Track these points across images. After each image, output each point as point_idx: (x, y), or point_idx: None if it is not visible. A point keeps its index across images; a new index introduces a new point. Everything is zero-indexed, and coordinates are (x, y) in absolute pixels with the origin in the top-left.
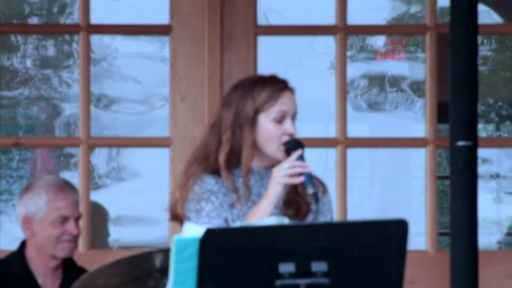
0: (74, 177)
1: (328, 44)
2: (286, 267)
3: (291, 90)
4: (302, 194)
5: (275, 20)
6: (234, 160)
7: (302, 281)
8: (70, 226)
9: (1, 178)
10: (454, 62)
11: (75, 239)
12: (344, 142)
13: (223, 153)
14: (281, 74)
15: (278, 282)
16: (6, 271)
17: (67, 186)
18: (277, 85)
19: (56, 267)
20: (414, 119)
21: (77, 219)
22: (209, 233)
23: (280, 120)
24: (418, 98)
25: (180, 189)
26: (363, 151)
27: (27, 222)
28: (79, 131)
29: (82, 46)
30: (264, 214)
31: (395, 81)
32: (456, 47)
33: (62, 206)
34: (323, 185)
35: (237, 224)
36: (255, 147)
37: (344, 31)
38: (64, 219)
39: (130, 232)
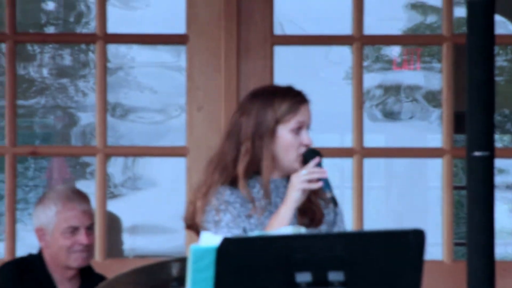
0: (90, 186)
1: (343, 54)
2: (303, 277)
3: (308, 102)
4: (316, 202)
5: (291, 30)
6: (251, 170)
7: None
8: (80, 236)
9: (17, 187)
10: (471, 72)
11: (87, 249)
12: (361, 152)
13: (243, 164)
14: (297, 84)
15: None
16: (29, 270)
17: (76, 196)
18: (296, 97)
19: (73, 275)
20: (430, 129)
21: (88, 228)
22: (226, 242)
23: (297, 131)
24: (434, 108)
25: (201, 198)
26: (379, 161)
27: (40, 233)
28: (96, 140)
29: (99, 55)
30: (283, 220)
31: (411, 91)
32: (473, 57)
33: (70, 216)
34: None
35: (255, 233)
36: (274, 158)
37: (361, 41)
38: (74, 229)
39: (146, 242)
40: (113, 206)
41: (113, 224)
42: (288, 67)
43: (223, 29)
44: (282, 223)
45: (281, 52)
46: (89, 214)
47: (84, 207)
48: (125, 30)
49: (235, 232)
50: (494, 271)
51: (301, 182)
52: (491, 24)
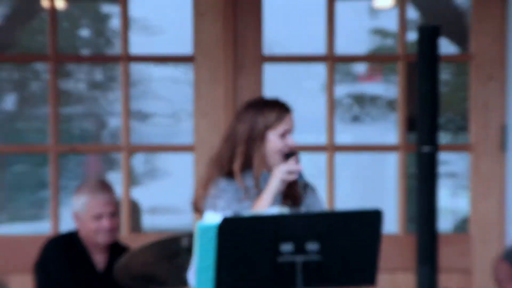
0: (118, 177)
1: (319, 69)
2: (286, 247)
3: (291, 111)
4: (296, 189)
5: (278, 50)
6: (244, 166)
7: (299, 258)
8: (104, 221)
9: (61, 178)
10: (420, 84)
11: (111, 230)
12: (332, 148)
13: (238, 162)
14: (282, 94)
15: (279, 259)
16: (69, 244)
17: (101, 188)
18: (282, 108)
19: (103, 248)
20: (389, 130)
21: (111, 214)
22: (226, 221)
23: (283, 136)
24: (391, 113)
25: (202, 188)
26: (347, 156)
27: (75, 218)
28: (121, 139)
29: (123, 72)
30: (265, 202)
31: (374, 100)
32: (422, 72)
33: (95, 205)
34: (312, 187)
35: (247, 213)
36: (263, 157)
37: (332, 60)
38: (99, 216)
39: (162, 220)
40: (136, 192)
41: (135, 207)
42: (275, 81)
43: (222, 50)
44: (264, 205)
45: (269, 69)
46: (112, 203)
47: (107, 197)
48: (144, 52)
49: (228, 213)
50: (437, 241)
51: (282, 173)
52: (436, 46)
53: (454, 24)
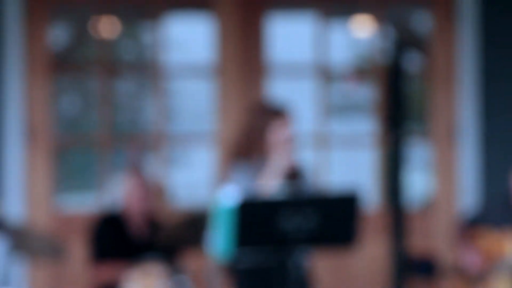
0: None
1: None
2: (286, 223)
3: (292, 115)
4: (294, 168)
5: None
6: (255, 156)
7: (294, 231)
8: (137, 202)
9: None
10: (392, 87)
11: (143, 210)
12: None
13: (255, 152)
14: (283, 98)
15: (281, 231)
16: (116, 221)
17: (135, 174)
18: (285, 112)
19: (142, 222)
20: (368, 124)
21: (145, 196)
22: (241, 203)
23: (283, 132)
24: (371, 112)
25: (223, 171)
26: (335, 143)
27: (119, 198)
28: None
29: (159, 85)
30: (271, 175)
31: (357, 101)
32: (393, 79)
33: (130, 189)
34: (302, 172)
35: (257, 191)
36: (270, 149)
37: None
38: (133, 197)
39: (191, 197)
40: (174, 175)
41: (162, 189)
42: (278, 87)
43: (235, 71)
44: (269, 177)
45: (272, 82)
46: (144, 187)
47: (140, 181)
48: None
49: (243, 192)
50: (406, 215)
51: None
52: (405, 61)
53: (417, 46)
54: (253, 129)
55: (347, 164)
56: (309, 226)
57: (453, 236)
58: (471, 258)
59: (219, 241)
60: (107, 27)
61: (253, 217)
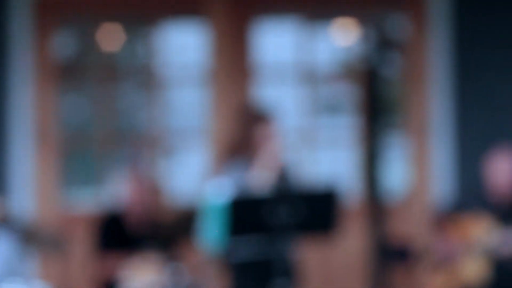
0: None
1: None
2: (273, 217)
3: (275, 116)
4: (279, 167)
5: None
6: (245, 154)
7: (281, 224)
8: (135, 205)
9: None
10: (372, 89)
11: (142, 208)
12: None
13: (242, 151)
14: (269, 100)
15: (269, 224)
16: (117, 219)
17: (134, 177)
18: (271, 114)
19: (141, 223)
20: (350, 120)
21: (142, 199)
22: (232, 198)
23: (271, 133)
24: (351, 110)
25: (216, 167)
26: (320, 140)
27: (121, 196)
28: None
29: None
30: (259, 174)
31: (339, 100)
32: (364, 83)
33: (129, 192)
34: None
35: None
36: (258, 148)
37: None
38: (132, 200)
39: (187, 193)
40: (170, 174)
41: (159, 189)
42: (266, 90)
43: (226, 75)
44: (258, 174)
45: (260, 84)
46: (142, 185)
47: (139, 180)
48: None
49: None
50: (384, 206)
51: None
52: (382, 60)
53: (394, 47)
54: (241, 131)
55: (331, 160)
56: (294, 219)
57: (428, 226)
58: (444, 246)
59: (211, 235)
60: (110, 34)
61: (243, 211)
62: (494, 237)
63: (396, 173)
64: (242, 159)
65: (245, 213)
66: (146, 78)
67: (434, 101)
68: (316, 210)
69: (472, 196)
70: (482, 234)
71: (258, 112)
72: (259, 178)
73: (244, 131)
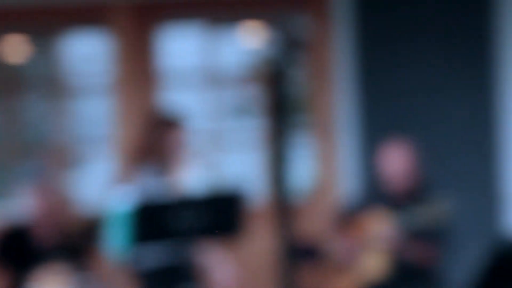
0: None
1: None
2: (179, 222)
3: (183, 122)
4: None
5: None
6: (155, 159)
7: (187, 228)
8: (43, 213)
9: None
10: (277, 87)
11: (50, 221)
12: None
13: (153, 155)
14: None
15: (174, 230)
16: (24, 234)
17: (40, 191)
18: (178, 119)
19: (49, 235)
20: (258, 121)
21: (50, 208)
22: (136, 207)
23: (177, 139)
24: (260, 111)
25: (124, 175)
26: (229, 143)
27: (28, 209)
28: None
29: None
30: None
31: (247, 102)
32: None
33: (34, 206)
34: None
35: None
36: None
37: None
38: (39, 208)
39: (93, 202)
40: (76, 184)
41: (71, 198)
42: (173, 95)
43: (131, 83)
44: (169, 179)
45: (166, 90)
46: (49, 198)
47: (46, 192)
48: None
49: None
50: (291, 205)
51: None
52: (287, 61)
53: (298, 48)
54: (150, 137)
55: (239, 163)
56: (200, 223)
57: (331, 224)
58: (345, 245)
59: (117, 242)
60: (13, 46)
61: (148, 217)
62: (388, 229)
63: (303, 173)
64: (151, 165)
65: (149, 220)
66: (52, 88)
67: (340, 99)
68: (220, 213)
69: (373, 191)
70: (379, 228)
71: (167, 117)
72: (167, 184)
73: (153, 137)
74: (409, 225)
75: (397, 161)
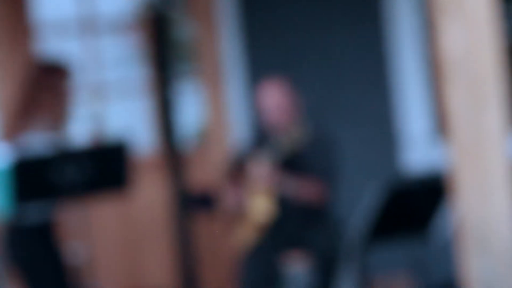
0: None
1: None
2: (61, 177)
3: (68, 69)
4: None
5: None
6: (40, 111)
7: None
8: None
9: None
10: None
11: None
12: None
13: (39, 109)
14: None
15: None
16: None
17: None
18: (61, 66)
19: None
20: (142, 70)
21: None
22: (16, 161)
23: (63, 88)
24: (144, 58)
25: (9, 131)
26: (112, 93)
27: None
28: None
29: None
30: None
31: (129, 50)
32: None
33: None
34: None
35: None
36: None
37: None
38: None
39: None
40: None
41: None
42: (49, 45)
43: (8, 41)
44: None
45: (42, 40)
46: None
47: None
48: None
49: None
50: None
51: None
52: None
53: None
54: (33, 87)
55: (124, 113)
56: (83, 177)
57: (221, 175)
58: (233, 193)
59: (1, 200)
60: None
61: (29, 173)
62: (262, 168)
63: (193, 121)
64: (40, 119)
65: (27, 176)
66: None
67: (225, 43)
68: (105, 166)
69: (260, 135)
70: (256, 170)
71: (50, 64)
72: (54, 138)
73: (36, 88)
74: (275, 157)
75: (270, 99)
